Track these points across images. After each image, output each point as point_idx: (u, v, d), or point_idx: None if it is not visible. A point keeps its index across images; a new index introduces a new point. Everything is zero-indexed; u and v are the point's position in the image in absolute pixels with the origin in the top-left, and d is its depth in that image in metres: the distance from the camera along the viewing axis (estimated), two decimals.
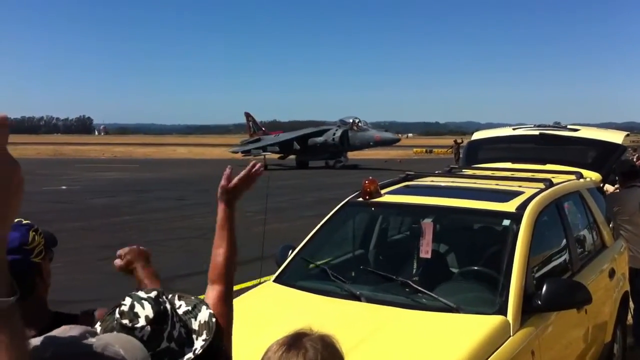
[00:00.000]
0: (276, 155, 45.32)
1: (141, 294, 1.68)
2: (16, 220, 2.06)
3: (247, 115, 53.30)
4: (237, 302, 4.06)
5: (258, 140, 48.72)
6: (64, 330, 1.25)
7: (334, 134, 42.56)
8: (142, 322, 1.63)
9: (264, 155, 41.79)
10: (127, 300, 1.67)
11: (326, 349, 1.63)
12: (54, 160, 52.67)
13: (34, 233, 2.04)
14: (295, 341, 1.63)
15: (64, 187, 26.34)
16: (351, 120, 43.16)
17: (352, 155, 44.96)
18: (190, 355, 1.68)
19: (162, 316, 1.66)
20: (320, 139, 43.01)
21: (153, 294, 1.68)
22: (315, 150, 43.52)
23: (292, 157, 45.15)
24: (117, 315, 1.67)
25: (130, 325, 1.63)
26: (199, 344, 1.71)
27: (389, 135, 46.17)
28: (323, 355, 1.60)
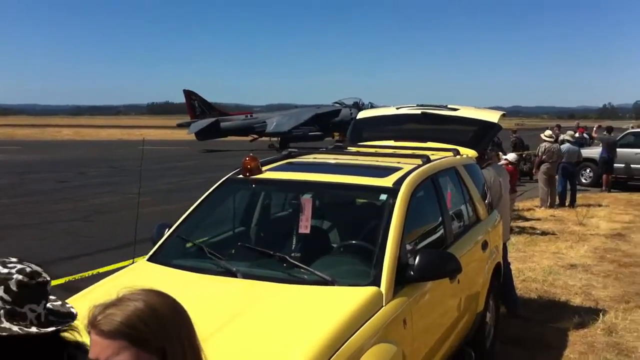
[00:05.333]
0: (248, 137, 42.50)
1: None
2: None
3: (189, 93, 44.16)
4: (107, 281, 3.93)
5: (217, 122, 42.96)
6: None
7: (351, 113, 41.07)
8: None
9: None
10: None
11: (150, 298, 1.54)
12: None
13: None
14: (118, 299, 1.54)
15: None
16: (355, 102, 42.81)
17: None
18: None
19: None
20: (336, 119, 42.08)
21: None
22: (327, 130, 42.05)
23: (266, 139, 41.97)
24: None
25: None
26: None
27: None
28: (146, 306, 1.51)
